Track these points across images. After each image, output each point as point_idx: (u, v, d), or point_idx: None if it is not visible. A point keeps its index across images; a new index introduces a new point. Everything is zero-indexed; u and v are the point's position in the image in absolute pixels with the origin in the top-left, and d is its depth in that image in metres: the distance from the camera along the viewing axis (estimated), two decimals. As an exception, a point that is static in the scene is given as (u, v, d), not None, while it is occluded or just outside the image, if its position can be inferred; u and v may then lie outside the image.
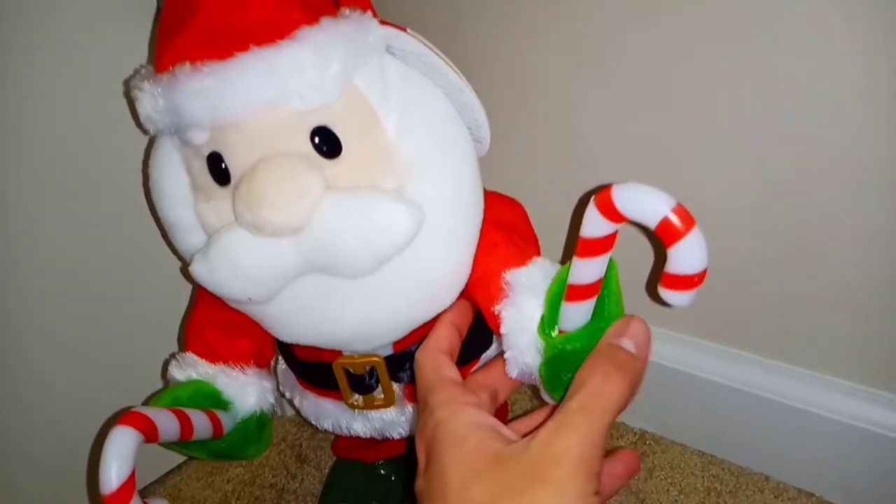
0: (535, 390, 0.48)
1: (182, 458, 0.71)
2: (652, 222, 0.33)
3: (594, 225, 0.36)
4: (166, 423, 0.39)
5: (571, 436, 0.32)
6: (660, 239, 0.34)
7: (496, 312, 0.44)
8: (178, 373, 0.47)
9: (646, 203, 0.33)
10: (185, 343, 0.50)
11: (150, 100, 0.40)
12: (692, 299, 0.35)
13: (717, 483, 0.62)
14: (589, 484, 0.31)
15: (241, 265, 0.40)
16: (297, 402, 0.55)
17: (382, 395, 0.51)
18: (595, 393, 0.34)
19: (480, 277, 0.46)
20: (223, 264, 0.40)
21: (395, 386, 0.51)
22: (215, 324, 0.49)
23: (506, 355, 0.44)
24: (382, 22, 0.43)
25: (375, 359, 0.49)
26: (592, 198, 0.35)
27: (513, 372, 0.45)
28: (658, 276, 0.36)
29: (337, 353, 0.49)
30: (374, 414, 0.52)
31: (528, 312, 0.42)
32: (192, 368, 0.47)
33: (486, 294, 0.46)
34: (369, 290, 0.43)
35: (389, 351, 0.49)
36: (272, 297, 0.42)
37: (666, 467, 0.64)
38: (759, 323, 0.59)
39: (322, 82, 0.39)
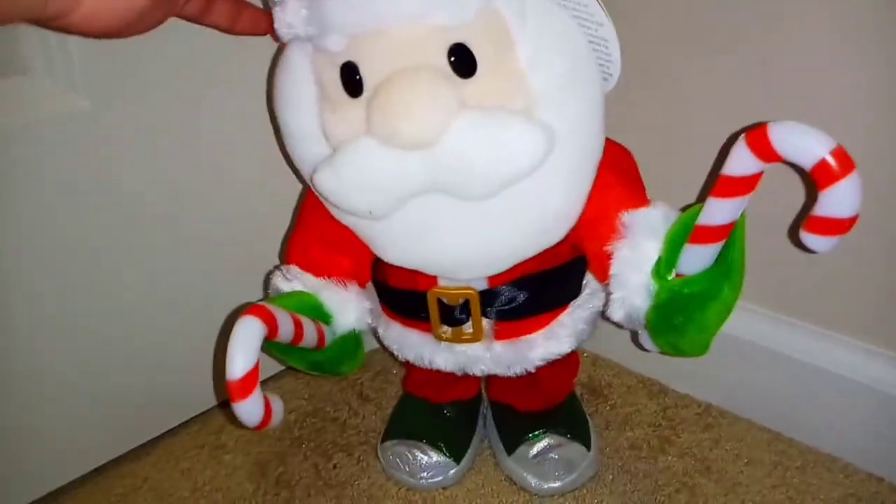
0: (634, 337, 0.48)
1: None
2: (808, 162, 0.33)
3: (741, 163, 0.35)
4: (284, 323, 0.39)
5: None
6: (813, 180, 0.33)
7: (607, 252, 0.44)
8: (282, 283, 0.47)
9: (804, 142, 0.33)
10: (287, 256, 0.50)
11: (295, 3, 0.40)
12: (835, 245, 0.35)
13: (784, 458, 0.61)
14: None
15: (368, 176, 0.40)
16: (380, 331, 0.55)
17: (471, 329, 0.51)
18: None
19: (592, 218, 0.46)
20: (351, 173, 0.41)
21: (484, 321, 0.51)
22: (320, 239, 0.49)
23: (614, 296, 0.44)
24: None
25: (470, 291, 0.49)
26: (743, 135, 0.35)
27: (618, 314, 0.45)
28: (800, 220, 0.35)
29: (432, 282, 0.50)
30: (459, 347, 0.52)
31: (645, 253, 0.42)
32: (297, 280, 0.48)
33: (597, 234, 0.45)
34: (485, 215, 0.43)
35: (484, 285, 0.49)
36: (391, 212, 0.42)
37: (733, 439, 0.63)
38: (833, 297, 0.58)
39: None
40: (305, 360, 0.46)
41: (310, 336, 0.42)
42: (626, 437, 0.64)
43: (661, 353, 0.45)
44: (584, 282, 0.54)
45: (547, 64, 0.42)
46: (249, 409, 0.37)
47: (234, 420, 0.40)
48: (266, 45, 0.51)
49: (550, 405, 0.61)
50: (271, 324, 0.37)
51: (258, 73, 0.56)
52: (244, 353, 0.36)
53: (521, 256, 0.46)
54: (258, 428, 0.38)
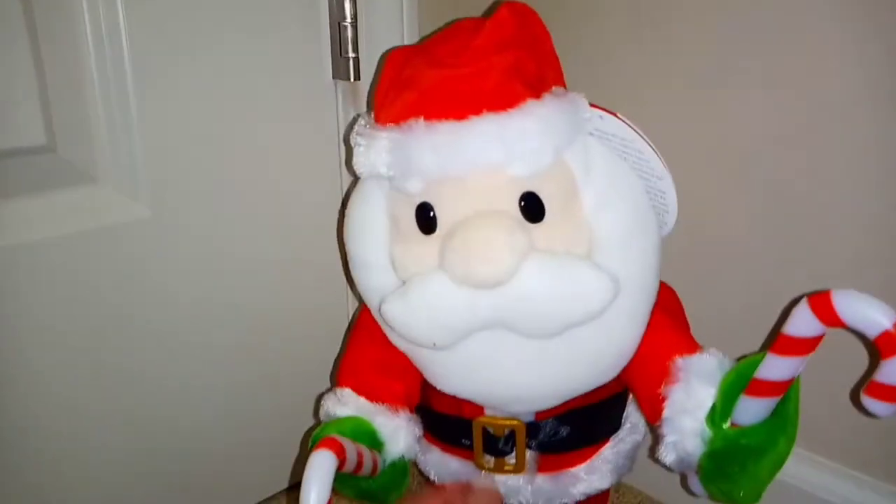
0: (682, 480, 0.48)
1: (267, 493, 0.70)
2: (872, 332, 0.35)
3: (803, 324, 0.37)
4: (351, 453, 0.39)
5: None
6: (876, 348, 0.35)
7: (660, 395, 0.45)
8: (338, 408, 0.48)
9: (869, 313, 0.35)
10: (340, 379, 0.51)
11: (379, 147, 0.43)
12: (895, 410, 0.36)
13: None
14: None
15: (439, 309, 0.42)
16: (419, 455, 0.55)
17: (514, 461, 0.51)
18: None
19: (643, 358, 0.47)
20: (421, 307, 0.42)
21: (528, 453, 0.51)
22: (374, 364, 0.50)
23: (666, 440, 0.45)
24: (592, 105, 0.46)
25: (516, 423, 0.50)
26: (805, 298, 0.37)
27: (670, 458, 0.45)
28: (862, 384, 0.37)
29: (478, 411, 0.50)
30: (499, 478, 0.52)
31: (698, 399, 0.43)
32: (352, 404, 0.48)
33: (648, 375, 0.47)
34: (546, 353, 0.44)
35: (531, 417, 0.50)
36: (454, 344, 0.43)
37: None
38: (873, 442, 0.58)
39: (541, 152, 0.42)
40: (357, 487, 0.46)
41: (367, 465, 0.42)
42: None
43: (712, 499, 0.46)
44: (625, 416, 0.54)
45: (609, 212, 0.44)
46: (322, 542, 0.37)
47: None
48: (328, 167, 0.53)
49: None
50: (341, 455, 0.38)
51: (318, 192, 0.58)
52: (318, 487, 0.36)
53: (574, 393, 0.47)
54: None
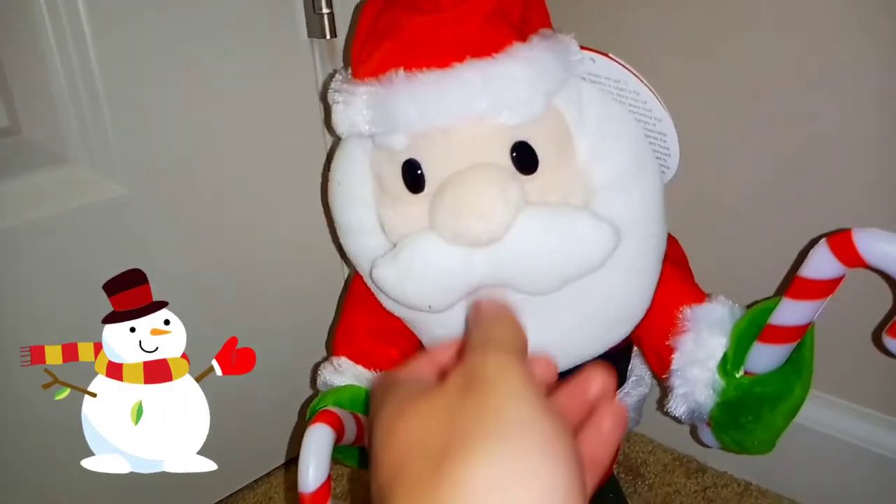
0: (693, 431, 0.47)
1: (270, 467, 0.69)
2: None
3: (821, 266, 0.35)
4: (349, 424, 0.38)
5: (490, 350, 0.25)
6: (899, 287, 0.33)
7: (668, 346, 0.43)
8: (335, 377, 0.46)
9: (892, 251, 0.32)
10: (336, 348, 0.49)
11: (358, 103, 0.40)
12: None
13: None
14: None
15: (432, 272, 0.39)
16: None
17: (520, 420, 0.49)
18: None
19: (650, 309, 0.45)
20: (414, 269, 0.40)
21: (534, 411, 0.49)
22: (369, 331, 0.48)
23: (676, 392, 0.43)
24: (582, 47, 0.43)
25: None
26: (824, 239, 0.35)
27: (680, 410, 0.43)
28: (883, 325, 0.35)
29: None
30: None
31: (709, 349, 0.41)
32: (349, 372, 0.46)
33: (655, 327, 0.44)
34: (545, 311, 0.41)
35: (535, 375, 0.48)
36: (450, 306, 0.41)
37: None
38: (873, 376, 0.58)
39: (531, 98, 0.39)
40: (356, 457, 0.45)
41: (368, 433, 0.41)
42: (670, 521, 0.63)
43: (724, 449, 0.44)
44: (629, 369, 0.53)
45: (605, 159, 0.41)
46: (321, 523, 0.35)
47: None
48: (310, 130, 0.50)
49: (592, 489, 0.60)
50: (339, 429, 0.36)
51: (301, 156, 0.55)
52: (316, 463, 0.34)
53: (585, 354, 0.44)
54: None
